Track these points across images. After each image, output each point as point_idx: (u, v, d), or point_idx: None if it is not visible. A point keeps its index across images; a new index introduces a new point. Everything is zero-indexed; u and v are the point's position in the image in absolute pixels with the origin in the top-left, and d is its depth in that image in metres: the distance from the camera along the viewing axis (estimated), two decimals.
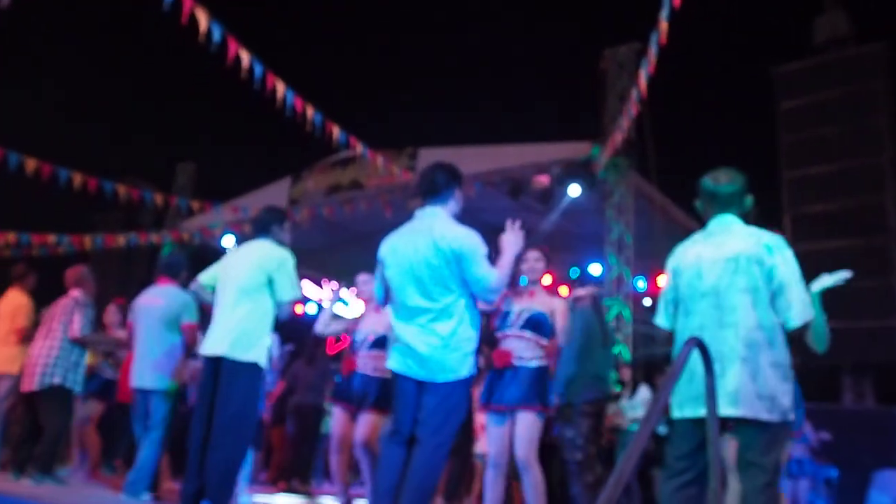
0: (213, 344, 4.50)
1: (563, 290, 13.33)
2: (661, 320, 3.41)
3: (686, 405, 3.09)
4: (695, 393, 3.03)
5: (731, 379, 2.97)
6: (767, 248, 3.09)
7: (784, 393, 2.99)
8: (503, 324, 4.74)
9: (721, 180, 3.30)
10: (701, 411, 2.98)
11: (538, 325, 4.67)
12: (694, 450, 3.03)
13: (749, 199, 3.31)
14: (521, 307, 4.73)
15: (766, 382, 2.97)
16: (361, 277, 5.69)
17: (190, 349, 5.47)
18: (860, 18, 11.98)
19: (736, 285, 3.08)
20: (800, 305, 3.03)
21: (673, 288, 3.34)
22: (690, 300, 3.21)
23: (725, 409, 2.93)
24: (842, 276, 3.51)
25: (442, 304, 3.58)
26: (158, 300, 5.53)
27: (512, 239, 3.89)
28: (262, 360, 4.53)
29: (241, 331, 4.47)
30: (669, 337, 3.41)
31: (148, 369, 5.39)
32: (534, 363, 4.61)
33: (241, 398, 4.42)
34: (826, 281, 3.58)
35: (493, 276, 3.65)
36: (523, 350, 4.63)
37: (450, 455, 3.81)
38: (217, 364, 4.45)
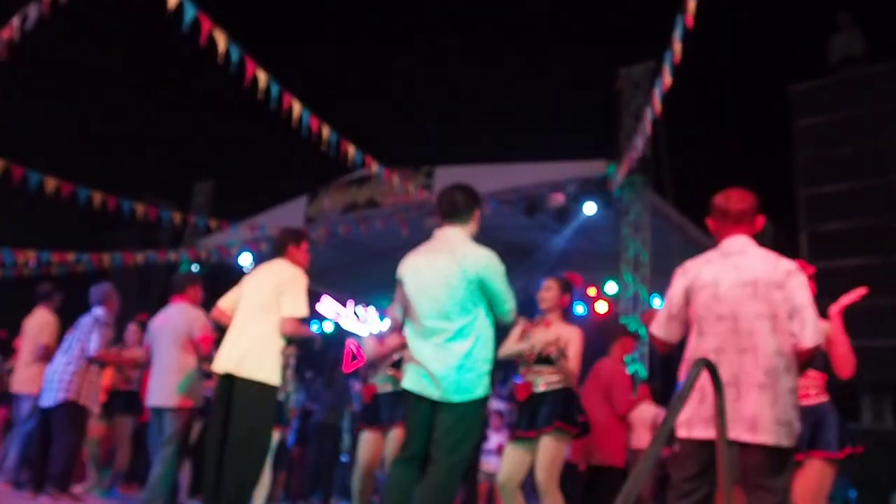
0: (225, 361, 4.51)
1: (602, 307, 13.26)
2: (657, 330, 3.33)
3: (696, 426, 3.05)
4: (706, 415, 3.00)
5: (749, 404, 2.94)
6: (785, 274, 3.07)
7: (797, 418, 3.00)
8: (520, 362, 4.84)
9: (732, 199, 3.29)
10: (712, 433, 2.93)
11: (549, 360, 4.73)
12: (701, 472, 3.01)
13: (760, 219, 3.31)
14: (532, 342, 4.78)
15: (785, 408, 2.95)
16: None
17: (204, 360, 5.52)
18: (875, 37, 11.94)
19: (755, 310, 3.04)
20: (813, 327, 3.00)
21: (681, 305, 3.27)
22: (705, 321, 3.15)
23: (743, 435, 2.91)
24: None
25: (459, 324, 3.57)
26: (168, 319, 5.70)
27: None
28: (275, 379, 4.51)
29: (252, 348, 4.46)
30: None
31: (159, 388, 5.49)
32: (556, 386, 4.67)
33: (253, 417, 4.40)
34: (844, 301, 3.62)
35: (511, 296, 3.72)
36: (543, 379, 4.72)
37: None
38: (229, 382, 4.45)
